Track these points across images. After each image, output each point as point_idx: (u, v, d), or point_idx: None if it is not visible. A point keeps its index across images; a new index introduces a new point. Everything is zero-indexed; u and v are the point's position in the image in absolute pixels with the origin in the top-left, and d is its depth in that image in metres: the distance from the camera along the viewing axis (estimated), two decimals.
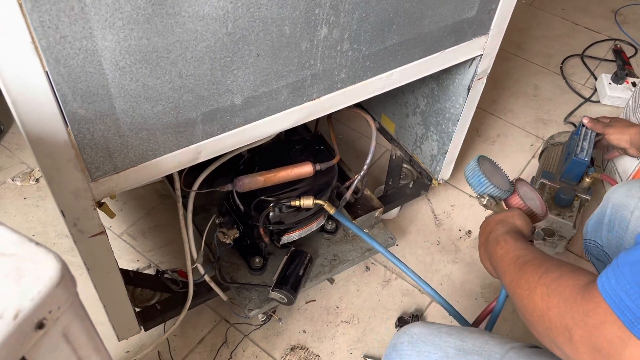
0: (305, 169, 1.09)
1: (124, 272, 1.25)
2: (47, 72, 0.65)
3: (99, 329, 1.22)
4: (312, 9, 0.82)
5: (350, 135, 1.83)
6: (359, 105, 1.72)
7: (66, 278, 0.39)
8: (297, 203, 1.09)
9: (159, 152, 0.85)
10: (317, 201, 1.08)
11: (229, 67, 0.81)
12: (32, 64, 0.63)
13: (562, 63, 2.19)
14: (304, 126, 1.53)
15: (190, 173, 1.11)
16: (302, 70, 0.90)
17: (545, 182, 1.48)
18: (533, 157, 1.83)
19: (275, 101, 0.92)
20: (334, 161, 1.16)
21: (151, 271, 1.41)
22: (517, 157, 1.83)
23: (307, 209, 1.16)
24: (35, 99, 0.66)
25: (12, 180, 1.58)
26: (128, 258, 1.45)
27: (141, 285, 1.26)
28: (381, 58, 1.00)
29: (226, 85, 0.83)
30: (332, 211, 1.09)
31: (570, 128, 1.91)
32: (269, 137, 1.01)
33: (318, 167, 1.12)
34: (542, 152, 1.71)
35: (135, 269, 1.42)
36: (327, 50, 0.90)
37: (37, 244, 0.40)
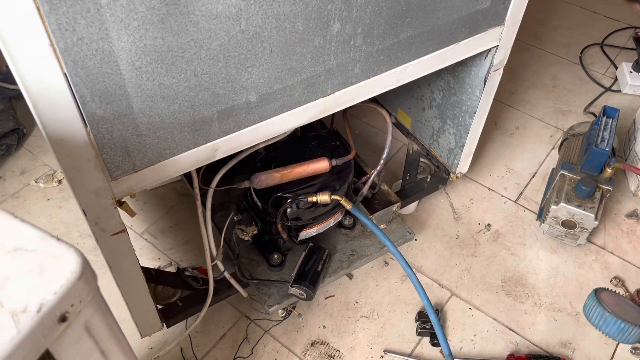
0: (321, 165, 1.09)
1: (146, 270, 1.27)
2: (65, 74, 0.66)
3: (123, 326, 1.24)
4: (324, 5, 0.82)
5: (366, 130, 1.83)
6: (374, 101, 1.72)
7: (87, 272, 0.40)
8: (313, 199, 1.09)
9: (177, 151, 0.86)
10: (334, 196, 1.09)
11: (243, 65, 0.82)
12: (51, 67, 0.64)
13: (581, 53, 2.15)
14: (320, 122, 1.53)
15: (208, 171, 1.12)
16: (315, 65, 0.90)
17: (566, 173, 1.46)
18: (553, 148, 1.81)
19: (290, 97, 0.92)
20: (350, 156, 1.16)
21: (172, 269, 1.43)
22: (537, 149, 1.81)
23: (324, 205, 1.16)
24: (54, 100, 0.68)
25: (36, 182, 1.62)
26: (149, 256, 1.47)
27: (162, 282, 1.27)
28: (395, 52, 0.99)
29: (241, 83, 0.84)
30: (349, 206, 1.10)
31: (591, 118, 1.88)
32: (285, 133, 1.02)
33: (334, 162, 1.12)
34: (562, 143, 1.69)
35: (156, 267, 1.44)
36: (340, 45, 0.90)
37: (59, 239, 0.41)
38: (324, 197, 1.08)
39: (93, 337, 0.43)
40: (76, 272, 0.39)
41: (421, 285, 1.01)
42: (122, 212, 0.89)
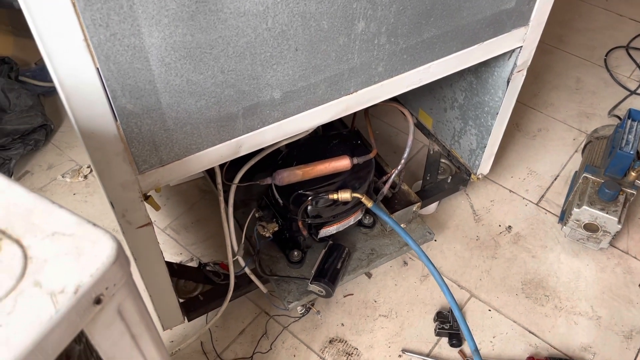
0: (342, 163, 1.10)
1: (168, 264, 1.29)
2: (98, 69, 0.68)
3: None
4: (349, 3, 0.83)
5: (387, 131, 1.83)
6: (395, 101, 1.72)
7: (121, 257, 0.42)
8: (334, 196, 1.10)
9: (202, 146, 0.87)
10: (355, 194, 1.09)
11: (268, 62, 0.83)
12: (85, 61, 0.66)
13: (606, 55, 2.13)
14: (341, 122, 1.54)
15: (231, 168, 1.14)
16: (339, 64, 0.91)
17: (589, 176, 1.44)
18: (576, 151, 1.79)
19: (313, 95, 0.93)
20: (372, 155, 1.17)
21: (193, 264, 1.45)
22: (559, 151, 1.79)
23: (345, 203, 1.17)
24: (87, 94, 0.70)
25: (62, 177, 1.66)
26: (172, 251, 1.49)
27: (184, 277, 1.30)
28: (418, 51, 1.00)
29: (266, 80, 0.85)
30: (369, 204, 1.10)
31: (615, 121, 1.86)
32: (308, 131, 1.03)
33: (355, 160, 1.13)
34: (585, 146, 1.67)
35: (178, 262, 1.47)
36: (364, 44, 0.91)
37: (94, 225, 0.43)
38: (345, 195, 1.09)
39: (125, 321, 0.45)
40: (111, 256, 0.40)
41: (444, 281, 1.01)
42: (147, 206, 0.91)
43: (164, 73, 0.74)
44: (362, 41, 0.90)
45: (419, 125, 1.66)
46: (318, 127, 1.33)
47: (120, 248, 0.42)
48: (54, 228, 0.41)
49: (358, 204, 1.20)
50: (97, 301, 0.40)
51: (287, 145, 1.13)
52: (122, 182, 0.83)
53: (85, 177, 1.66)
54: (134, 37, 0.68)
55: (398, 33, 0.94)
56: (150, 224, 0.93)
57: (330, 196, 1.10)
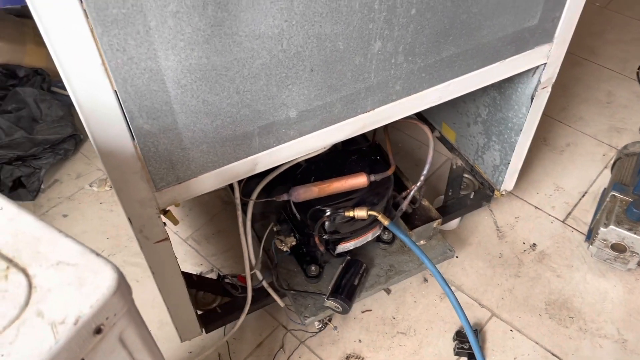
0: (359, 180, 1.10)
1: (188, 276, 1.31)
2: (115, 91, 0.70)
3: (164, 329, 1.28)
4: (365, 24, 0.83)
5: (409, 143, 1.82)
6: (418, 114, 1.71)
7: (122, 287, 0.43)
8: (350, 214, 1.10)
9: (219, 164, 0.88)
10: (371, 212, 1.09)
11: (284, 83, 0.83)
12: (103, 84, 0.68)
13: (638, 68, 2.07)
14: (362, 135, 1.54)
15: (250, 181, 1.15)
16: (355, 83, 0.91)
17: (617, 194, 1.40)
18: (605, 167, 1.74)
19: (329, 114, 0.93)
20: (389, 172, 1.17)
21: (213, 275, 1.47)
22: (588, 167, 1.75)
23: (363, 219, 1.16)
24: (105, 115, 0.72)
25: (90, 186, 1.70)
26: (192, 262, 1.51)
27: (203, 288, 1.31)
28: (437, 69, 0.99)
29: (281, 100, 0.86)
30: (386, 222, 1.10)
31: None
32: (324, 148, 1.03)
33: (372, 178, 1.13)
34: (614, 162, 1.62)
35: (198, 273, 1.48)
36: (381, 64, 0.91)
37: (98, 255, 0.44)
38: (361, 213, 1.09)
39: (126, 348, 0.46)
40: (112, 287, 0.41)
41: (459, 304, 1.00)
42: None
43: (180, 94, 0.75)
44: (378, 61, 0.90)
45: (442, 139, 1.64)
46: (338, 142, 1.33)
47: (121, 278, 0.43)
48: (59, 257, 0.42)
49: (376, 220, 1.19)
50: (98, 331, 0.41)
51: (306, 159, 1.14)
52: (140, 199, 0.84)
53: (112, 186, 1.70)
54: (151, 60, 0.69)
55: (416, 52, 0.93)
56: (167, 239, 0.94)
57: (347, 213, 1.10)
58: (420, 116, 1.70)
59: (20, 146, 1.62)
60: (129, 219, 0.87)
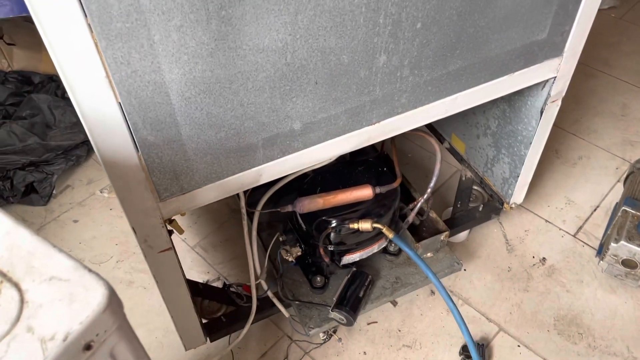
0: (364, 192, 1.10)
1: (193, 284, 1.31)
2: (119, 103, 0.71)
3: (170, 337, 1.28)
4: (370, 38, 0.83)
5: (419, 154, 1.81)
6: (428, 125, 1.70)
7: (113, 303, 0.43)
8: (355, 226, 1.09)
9: (223, 175, 0.89)
10: (376, 225, 1.09)
11: (288, 95, 0.84)
12: (107, 96, 0.69)
13: None
14: (372, 145, 1.54)
15: (257, 190, 1.15)
16: (360, 96, 0.91)
17: (628, 209, 1.38)
18: (618, 181, 1.71)
19: (334, 126, 0.93)
20: (395, 184, 1.16)
21: (219, 283, 1.47)
22: (600, 181, 1.72)
23: (367, 231, 1.16)
24: (109, 127, 0.72)
25: (101, 192, 1.72)
26: (199, 269, 1.52)
27: (209, 297, 1.31)
28: (444, 82, 0.99)
29: (285, 112, 0.86)
30: (390, 235, 1.09)
31: None
32: (330, 159, 1.03)
33: (378, 190, 1.12)
34: (627, 176, 1.60)
35: (205, 281, 1.49)
36: (386, 77, 0.91)
37: (90, 270, 0.45)
38: (365, 225, 1.08)
39: None
40: (102, 303, 0.42)
41: (462, 318, 0.99)
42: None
43: (184, 107, 0.76)
44: (383, 74, 0.90)
45: (451, 150, 1.63)
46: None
47: (112, 295, 0.43)
48: (52, 272, 0.43)
49: (382, 232, 1.18)
50: (87, 347, 0.41)
51: (314, 169, 1.14)
52: (144, 209, 0.85)
53: None
54: (155, 73, 0.70)
55: (422, 65, 0.93)
56: (171, 248, 0.95)
57: (351, 225, 1.10)
58: (430, 127, 1.69)
59: (33, 152, 1.65)
60: (133, 229, 0.87)
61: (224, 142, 0.84)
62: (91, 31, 0.63)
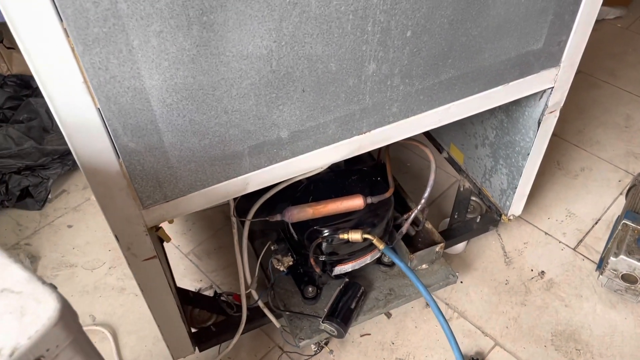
0: (355, 202, 1.08)
1: (184, 292, 1.30)
2: (99, 109, 0.70)
3: (159, 345, 1.26)
4: (358, 46, 0.82)
5: (418, 163, 1.79)
6: (427, 134, 1.68)
7: (66, 317, 0.42)
8: (345, 236, 1.07)
9: (208, 183, 0.87)
10: (366, 236, 1.07)
11: (274, 103, 0.82)
12: (85, 102, 0.68)
13: None
14: (369, 154, 1.52)
15: (251, 197, 1.13)
16: (350, 104, 0.90)
17: (629, 223, 1.35)
18: (620, 194, 1.68)
19: (323, 135, 0.92)
20: (387, 194, 1.14)
21: (211, 292, 1.45)
22: (602, 193, 1.69)
23: (358, 242, 1.14)
24: (88, 133, 0.71)
25: None
26: (192, 277, 1.50)
27: (199, 306, 1.30)
28: (436, 92, 0.97)
29: (272, 120, 0.84)
30: (381, 247, 1.07)
31: None
32: (321, 168, 1.01)
33: (369, 200, 1.10)
34: (629, 189, 1.57)
35: (197, 289, 1.47)
36: (376, 85, 0.89)
37: (44, 282, 0.43)
38: (355, 236, 1.06)
39: None
40: (53, 317, 0.40)
41: (452, 333, 0.96)
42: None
43: (165, 113, 0.75)
44: (373, 82, 0.88)
45: (450, 160, 1.61)
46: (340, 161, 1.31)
47: (65, 308, 0.41)
48: (4, 284, 0.41)
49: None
50: None
51: (308, 177, 1.12)
52: (126, 216, 0.84)
53: None
54: (134, 79, 0.69)
55: (413, 74, 0.91)
56: (156, 256, 0.93)
57: (341, 236, 1.08)
58: (429, 136, 1.67)
59: (29, 156, 1.64)
60: (116, 236, 0.86)
61: (208, 149, 0.82)
62: (67, 36, 0.62)
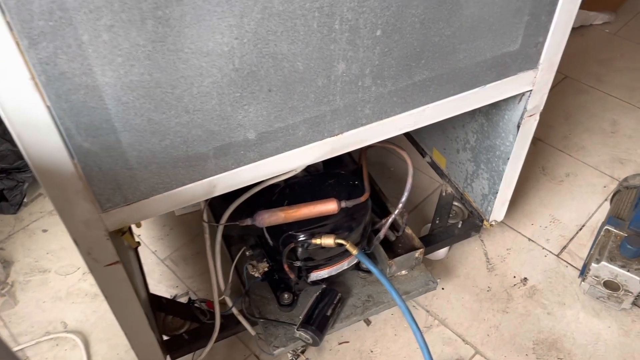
0: (329, 207, 1.05)
1: (157, 299, 1.26)
2: (48, 107, 0.67)
3: (132, 354, 1.23)
4: (326, 45, 0.79)
5: (402, 168, 1.76)
6: (410, 138, 1.66)
7: None
8: (317, 241, 1.05)
9: (171, 186, 0.84)
10: (339, 241, 1.04)
11: (239, 103, 0.79)
12: (33, 99, 0.65)
13: None
14: (351, 156, 1.49)
15: (229, 201, 1.10)
16: (319, 105, 0.87)
17: (611, 229, 1.33)
18: (605, 200, 1.66)
19: (292, 136, 0.89)
20: (362, 199, 1.11)
21: (187, 299, 1.42)
22: (587, 199, 1.67)
23: (339, 246, 1.11)
24: (39, 132, 0.68)
25: None
26: (168, 284, 1.47)
27: (172, 313, 1.26)
28: (410, 94, 0.94)
29: (237, 121, 0.82)
30: (354, 252, 1.04)
31: None
32: (294, 171, 0.98)
33: (344, 204, 1.07)
34: (614, 195, 1.55)
35: (173, 295, 1.44)
36: (346, 86, 0.87)
37: None
38: (328, 241, 1.04)
39: None
40: None
41: (425, 342, 0.93)
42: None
43: (121, 112, 0.72)
44: (343, 83, 0.86)
45: (433, 165, 1.59)
46: (319, 164, 1.29)
47: None
48: None
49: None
50: None
51: (285, 180, 1.09)
52: (84, 220, 0.80)
53: None
54: (86, 76, 0.66)
55: (385, 75, 0.88)
56: (119, 262, 0.90)
57: (313, 241, 1.05)
58: (412, 141, 1.65)
59: (5, 159, 1.61)
60: (75, 241, 0.83)
61: (169, 150, 0.80)
62: (11, 29, 0.59)
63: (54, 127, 0.68)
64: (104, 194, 0.79)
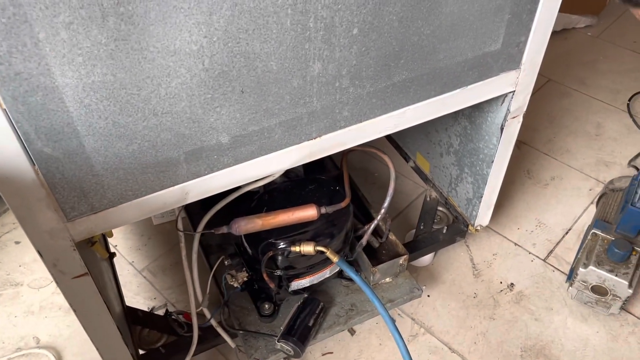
0: (308, 213, 1.02)
1: (133, 311, 1.22)
2: (5, 110, 0.63)
3: None
4: (301, 44, 0.76)
5: (386, 173, 1.73)
6: (393, 143, 1.64)
7: None
8: (297, 249, 1.01)
9: (140, 193, 0.80)
10: (319, 248, 1.00)
11: (210, 105, 0.76)
12: None
13: (629, 100, 1.99)
14: (333, 162, 1.46)
15: (204, 208, 1.07)
16: (296, 107, 0.84)
17: (598, 232, 1.31)
18: (591, 203, 1.65)
19: (268, 140, 0.86)
20: (343, 204, 1.08)
21: (164, 311, 1.37)
22: (573, 202, 1.65)
23: (320, 253, 1.07)
24: None
25: None
26: (146, 295, 1.42)
27: (148, 326, 1.22)
28: (389, 95, 0.91)
29: (209, 124, 0.78)
30: (335, 259, 1.01)
31: (633, 172, 1.71)
32: (270, 176, 0.95)
33: (324, 210, 1.04)
34: (599, 198, 1.53)
35: (151, 308, 1.39)
36: (323, 87, 0.84)
37: None
38: (307, 248, 1.00)
39: None
40: None
41: (408, 352, 0.90)
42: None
43: (84, 115, 0.68)
44: (320, 84, 0.83)
45: (416, 170, 1.56)
46: (299, 169, 1.26)
47: None
48: None
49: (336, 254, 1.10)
50: None
51: (265, 185, 1.05)
52: (48, 230, 0.76)
53: None
54: (44, 76, 0.62)
55: (363, 76, 0.86)
56: (87, 273, 0.85)
57: (293, 249, 1.01)
58: (396, 145, 1.62)
59: None
60: (39, 252, 0.78)
61: (137, 155, 0.76)
62: None
63: (11, 131, 0.64)
64: (69, 202, 0.75)
